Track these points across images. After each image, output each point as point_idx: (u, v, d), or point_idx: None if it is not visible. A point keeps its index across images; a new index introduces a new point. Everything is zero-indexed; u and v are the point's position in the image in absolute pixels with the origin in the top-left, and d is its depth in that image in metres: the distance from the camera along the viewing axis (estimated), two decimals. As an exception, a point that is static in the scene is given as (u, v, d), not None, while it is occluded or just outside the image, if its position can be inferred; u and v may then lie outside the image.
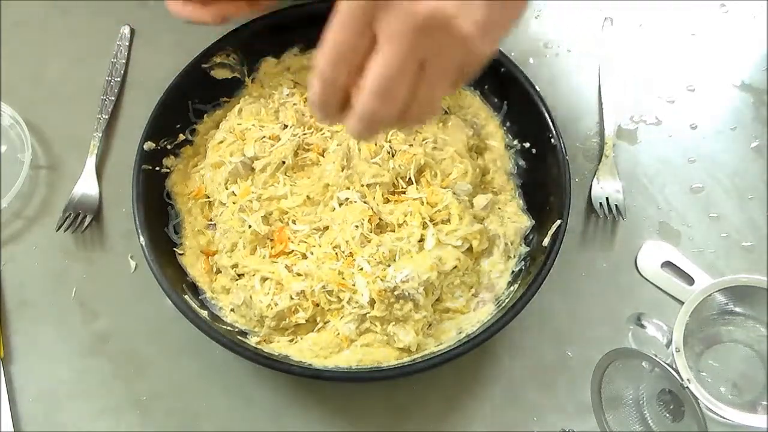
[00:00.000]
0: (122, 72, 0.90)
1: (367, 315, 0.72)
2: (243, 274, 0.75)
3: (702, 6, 0.93)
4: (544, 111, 0.79)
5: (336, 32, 0.53)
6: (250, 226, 0.75)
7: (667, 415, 0.71)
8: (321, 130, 0.79)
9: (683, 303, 0.72)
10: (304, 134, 0.79)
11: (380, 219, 0.75)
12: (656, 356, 0.68)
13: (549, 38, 0.92)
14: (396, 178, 0.77)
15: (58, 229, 0.82)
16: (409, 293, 0.71)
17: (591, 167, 0.85)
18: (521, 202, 0.81)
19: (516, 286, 0.75)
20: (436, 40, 0.52)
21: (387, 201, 0.76)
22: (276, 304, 0.72)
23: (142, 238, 0.74)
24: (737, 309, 0.74)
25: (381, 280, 0.71)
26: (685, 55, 0.91)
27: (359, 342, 0.73)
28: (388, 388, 0.76)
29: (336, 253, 0.73)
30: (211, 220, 0.80)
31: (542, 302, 0.78)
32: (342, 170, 0.76)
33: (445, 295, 0.75)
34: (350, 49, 0.53)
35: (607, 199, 0.82)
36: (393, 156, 0.77)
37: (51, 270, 0.82)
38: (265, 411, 0.76)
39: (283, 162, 0.77)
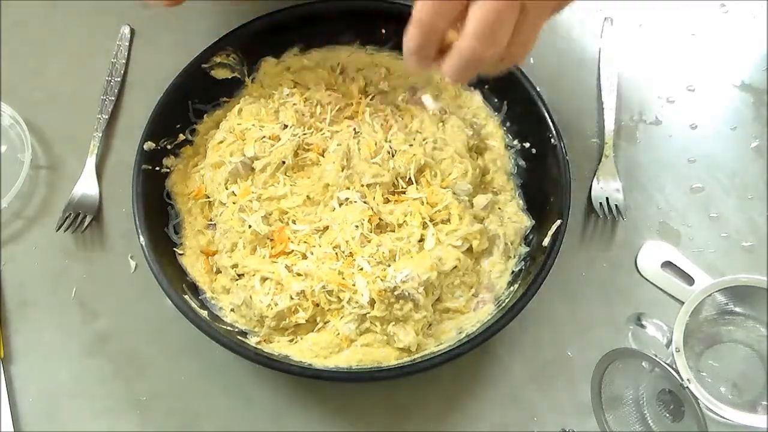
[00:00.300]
0: (122, 72, 0.90)
1: (367, 315, 0.72)
2: (243, 274, 0.75)
3: (702, 6, 0.93)
4: (544, 111, 0.79)
5: None
6: (250, 226, 0.75)
7: (667, 415, 0.71)
8: (321, 130, 0.79)
9: (683, 303, 0.72)
10: (304, 134, 0.79)
11: (380, 219, 0.75)
12: (656, 356, 0.68)
13: (549, 38, 0.92)
14: (396, 178, 0.77)
15: (58, 229, 0.82)
16: (409, 293, 0.71)
17: (591, 167, 0.85)
18: (521, 202, 0.81)
19: (516, 286, 0.75)
20: None
21: (387, 201, 0.76)
22: (276, 304, 0.72)
23: (142, 238, 0.74)
24: (737, 309, 0.74)
25: (381, 280, 0.71)
26: (685, 55, 0.91)
27: (359, 342, 0.73)
28: (388, 388, 0.76)
29: (336, 253, 0.73)
30: (211, 220, 0.80)
31: (542, 302, 0.78)
32: (342, 170, 0.76)
33: (445, 295, 0.75)
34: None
35: (607, 199, 0.82)
36: (393, 156, 0.77)
37: (51, 270, 0.82)
38: (265, 411, 0.76)
39: (283, 162, 0.77)
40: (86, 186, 0.84)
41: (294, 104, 0.81)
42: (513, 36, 0.56)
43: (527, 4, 0.55)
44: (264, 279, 0.73)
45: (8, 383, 0.77)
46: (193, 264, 0.78)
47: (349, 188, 0.76)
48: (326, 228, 0.75)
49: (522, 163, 0.82)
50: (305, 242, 0.75)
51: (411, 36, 0.57)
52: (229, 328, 0.74)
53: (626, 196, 0.83)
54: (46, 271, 0.82)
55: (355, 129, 0.79)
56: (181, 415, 0.76)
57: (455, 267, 0.74)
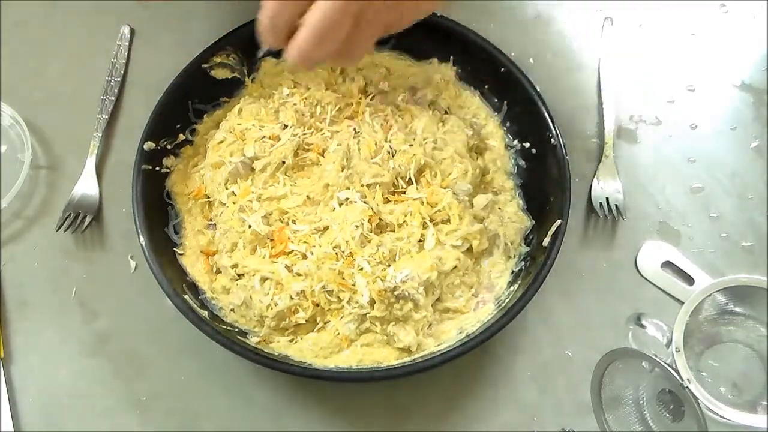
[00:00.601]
0: (122, 72, 0.90)
1: (367, 315, 0.72)
2: (243, 274, 0.75)
3: (702, 6, 0.93)
4: (544, 111, 0.79)
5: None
6: (250, 226, 0.75)
7: (667, 415, 0.71)
8: (321, 130, 0.79)
9: (683, 303, 0.72)
10: (304, 134, 0.79)
11: (380, 219, 0.75)
12: (656, 356, 0.68)
13: (549, 38, 0.92)
14: (396, 178, 0.77)
15: (58, 229, 0.82)
16: (409, 293, 0.71)
17: (591, 167, 0.85)
18: (521, 202, 0.81)
19: (516, 286, 0.75)
20: (370, 2, 0.62)
21: (387, 201, 0.76)
22: (276, 304, 0.72)
23: (142, 238, 0.74)
24: (737, 309, 0.74)
25: (381, 280, 0.71)
26: (685, 55, 0.91)
27: (359, 342, 0.73)
28: (388, 388, 0.76)
29: (336, 253, 0.73)
30: (211, 220, 0.80)
31: (542, 302, 0.78)
32: (342, 170, 0.76)
33: (445, 295, 0.75)
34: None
35: (607, 199, 0.82)
36: (393, 156, 0.77)
37: (51, 270, 0.82)
38: (265, 411, 0.76)
39: (283, 162, 0.77)
40: (86, 186, 0.84)
41: (294, 104, 0.81)
42: (347, 41, 0.63)
43: (361, 16, 0.62)
44: (264, 279, 0.73)
45: (8, 383, 0.77)
46: (193, 264, 0.78)
47: (349, 188, 0.76)
48: (326, 228, 0.75)
49: (522, 163, 0.82)
50: (305, 242, 0.75)
51: (261, 19, 0.64)
52: (229, 328, 0.74)
53: (626, 196, 0.83)
54: (46, 271, 0.82)
55: (355, 129, 0.79)
56: (181, 415, 0.76)
57: (455, 267, 0.74)
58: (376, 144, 0.77)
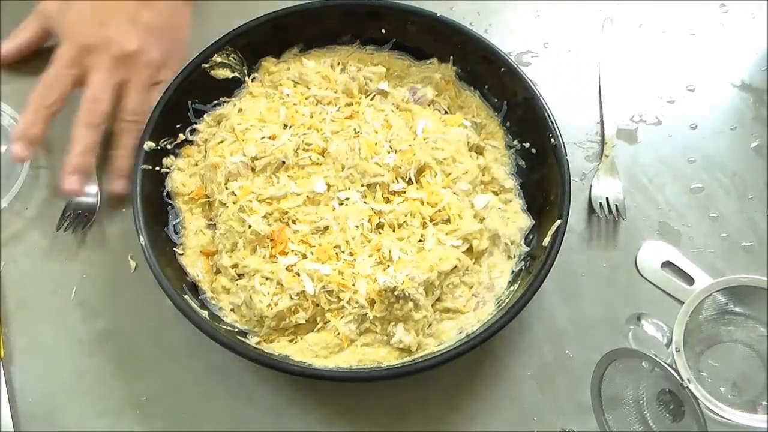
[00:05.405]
0: (122, 72, 0.89)
1: (367, 315, 0.72)
2: (243, 274, 0.75)
3: (702, 6, 0.93)
4: (544, 111, 0.79)
5: (49, 68, 0.78)
6: (250, 226, 0.75)
7: (667, 415, 0.71)
8: (321, 130, 0.79)
9: (683, 303, 0.72)
10: (304, 134, 0.79)
11: (380, 219, 0.75)
12: (656, 356, 0.68)
13: (549, 38, 0.92)
14: (396, 178, 0.77)
15: (58, 229, 0.82)
16: (409, 293, 0.71)
17: (591, 167, 0.85)
18: (521, 202, 0.81)
19: (516, 285, 0.75)
20: (130, 66, 0.78)
21: (387, 201, 0.76)
22: (276, 304, 0.72)
23: (142, 238, 0.74)
24: (737, 309, 0.74)
25: (381, 280, 0.71)
26: (685, 55, 0.91)
27: (359, 342, 0.73)
28: (388, 388, 0.76)
29: (336, 253, 0.73)
30: (211, 220, 0.80)
31: (542, 302, 0.78)
32: (342, 170, 0.76)
33: (445, 295, 0.75)
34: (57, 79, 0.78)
35: (607, 199, 0.82)
36: (393, 156, 0.77)
37: (51, 270, 0.82)
38: (265, 411, 0.76)
39: (283, 162, 0.77)
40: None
41: (294, 104, 0.81)
42: (119, 104, 0.78)
43: (126, 80, 0.78)
44: (264, 279, 0.73)
45: (8, 383, 0.77)
46: (193, 264, 0.78)
47: (349, 188, 0.76)
48: (326, 228, 0.75)
49: (522, 163, 0.82)
50: (305, 242, 0.75)
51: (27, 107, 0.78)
52: (229, 328, 0.74)
53: (626, 196, 0.83)
54: (46, 271, 0.82)
55: (355, 129, 0.79)
56: (181, 415, 0.76)
57: (455, 267, 0.74)
58: (376, 144, 0.77)
